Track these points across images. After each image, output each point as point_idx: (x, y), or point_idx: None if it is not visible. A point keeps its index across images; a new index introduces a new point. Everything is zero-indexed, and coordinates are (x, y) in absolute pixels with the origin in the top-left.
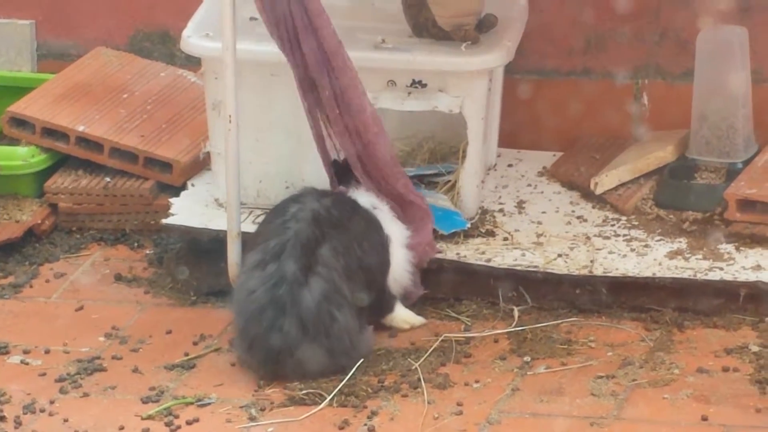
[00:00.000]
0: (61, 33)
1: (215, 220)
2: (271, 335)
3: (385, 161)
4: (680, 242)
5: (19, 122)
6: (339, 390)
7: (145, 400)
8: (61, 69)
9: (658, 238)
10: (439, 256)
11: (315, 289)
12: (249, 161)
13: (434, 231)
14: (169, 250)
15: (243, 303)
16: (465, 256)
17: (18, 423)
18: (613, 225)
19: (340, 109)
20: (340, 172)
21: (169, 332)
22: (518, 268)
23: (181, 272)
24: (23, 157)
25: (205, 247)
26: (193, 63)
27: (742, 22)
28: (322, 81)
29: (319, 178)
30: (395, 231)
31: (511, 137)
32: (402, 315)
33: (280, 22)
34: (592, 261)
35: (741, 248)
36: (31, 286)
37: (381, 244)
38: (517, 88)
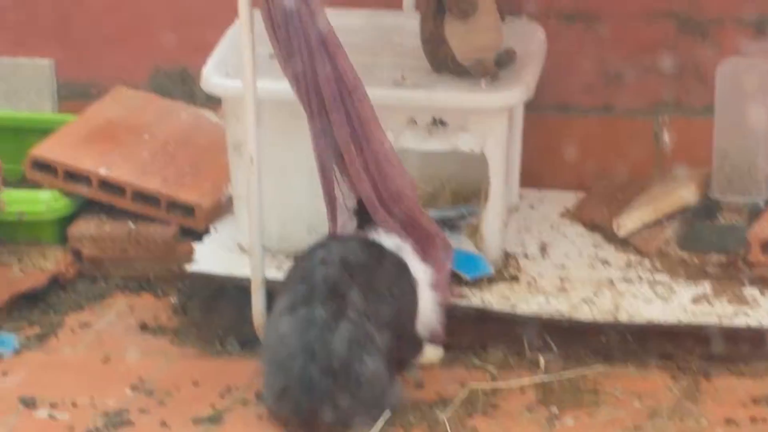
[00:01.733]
0: (81, 72)
1: (239, 266)
2: (302, 382)
3: (406, 194)
4: (704, 286)
5: (42, 166)
6: None
7: None
8: (81, 108)
9: (682, 281)
10: (464, 302)
11: (344, 334)
12: (271, 205)
13: (458, 276)
14: (194, 298)
15: (273, 348)
16: (490, 303)
17: None
18: (636, 269)
19: (359, 145)
20: (360, 216)
21: (195, 384)
22: (543, 315)
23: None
24: (46, 202)
25: (230, 295)
26: (213, 102)
27: (760, 54)
28: (338, 118)
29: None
30: (420, 271)
31: (532, 176)
32: (428, 354)
33: (294, 54)
34: (616, 307)
35: (766, 291)
36: (56, 337)
37: (410, 287)
38: (537, 126)
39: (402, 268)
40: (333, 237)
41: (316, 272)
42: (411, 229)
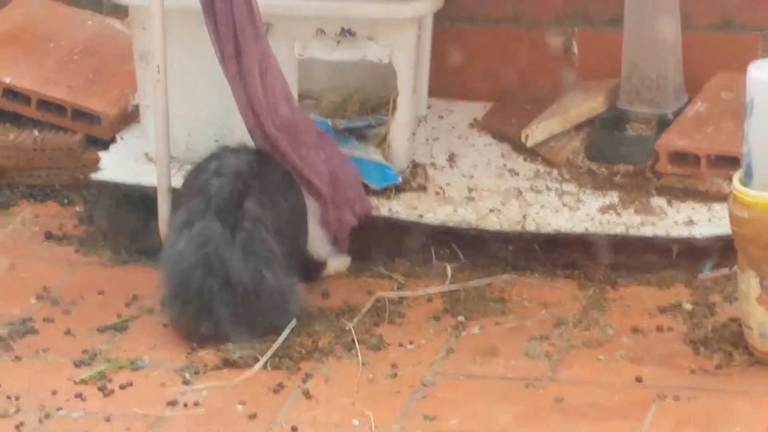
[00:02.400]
0: None
1: (146, 175)
2: (200, 297)
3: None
4: (612, 196)
5: None
6: (273, 352)
7: (78, 364)
8: None
9: (589, 191)
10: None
11: (240, 245)
12: (178, 114)
13: (365, 186)
14: (100, 206)
15: (172, 265)
16: (397, 212)
17: None
18: (544, 178)
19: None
20: None
21: (101, 293)
22: (451, 224)
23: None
24: None
25: (136, 203)
26: (119, 11)
27: None
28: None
29: None
30: (310, 204)
31: (441, 87)
32: (333, 266)
33: None
34: (524, 217)
35: (673, 202)
36: None
37: (301, 203)
38: (447, 37)
39: (295, 182)
40: (225, 148)
41: (211, 184)
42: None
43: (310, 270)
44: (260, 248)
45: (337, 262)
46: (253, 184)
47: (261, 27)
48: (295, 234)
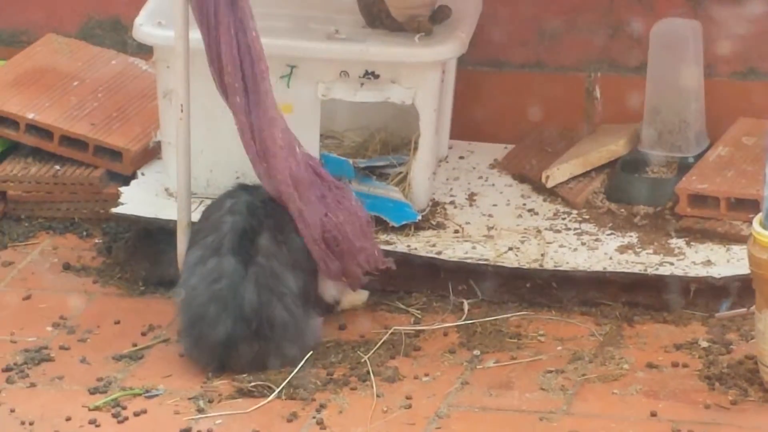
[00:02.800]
0: (11, 18)
1: (165, 210)
2: (215, 332)
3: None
4: (631, 236)
5: None
6: (288, 382)
7: (93, 391)
8: (11, 56)
9: (608, 232)
10: (389, 248)
11: (253, 280)
12: (200, 151)
13: (385, 223)
14: (119, 239)
15: (186, 301)
16: (415, 249)
17: None
18: (564, 218)
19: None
20: None
21: (117, 322)
22: (468, 261)
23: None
24: None
25: (155, 237)
26: (144, 51)
27: (695, 16)
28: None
29: None
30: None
31: (463, 129)
32: (348, 301)
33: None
34: (542, 255)
35: (691, 243)
36: None
37: None
38: (470, 80)
39: None
40: (241, 186)
41: (225, 221)
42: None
43: (325, 306)
44: (273, 282)
45: (353, 297)
46: (267, 221)
47: (267, 84)
48: (310, 267)
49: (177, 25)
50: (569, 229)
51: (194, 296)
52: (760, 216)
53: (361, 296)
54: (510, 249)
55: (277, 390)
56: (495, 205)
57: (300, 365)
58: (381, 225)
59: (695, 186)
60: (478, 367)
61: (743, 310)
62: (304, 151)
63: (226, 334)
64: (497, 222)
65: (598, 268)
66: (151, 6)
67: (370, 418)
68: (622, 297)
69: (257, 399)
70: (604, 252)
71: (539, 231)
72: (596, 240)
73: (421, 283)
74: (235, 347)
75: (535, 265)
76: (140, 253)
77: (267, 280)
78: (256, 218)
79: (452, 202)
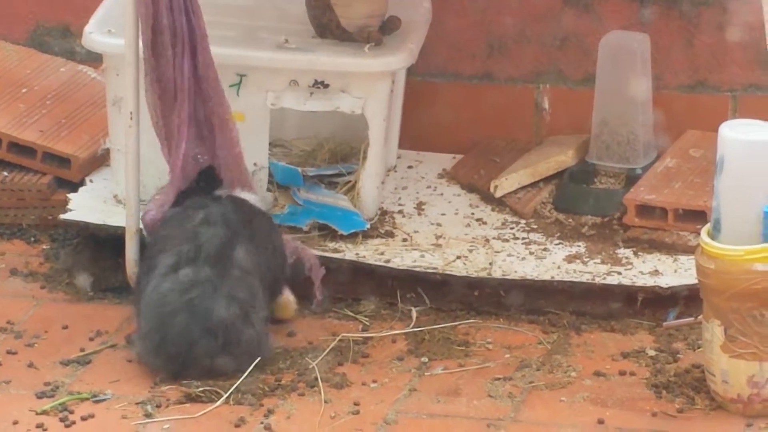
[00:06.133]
0: None
1: (114, 217)
2: (180, 341)
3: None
4: (579, 246)
5: None
6: (236, 388)
7: (40, 396)
8: None
9: (557, 241)
10: (338, 255)
11: (228, 294)
12: (148, 158)
13: (334, 231)
14: (66, 245)
15: (153, 307)
16: (364, 257)
17: None
18: (512, 228)
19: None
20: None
21: (65, 327)
22: (417, 269)
23: (83, 279)
24: None
25: (103, 244)
26: (93, 59)
27: (643, 29)
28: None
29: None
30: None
31: (411, 139)
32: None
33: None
34: (491, 263)
35: (639, 253)
36: None
37: (281, 242)
38: (419, 91)
39: (271, 221)
40: (208, 197)
41: (201, 232)
42: None
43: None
44: (245, 296)
45: (285, 308)
46: (242, 232)
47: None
48: (276, 272)
49: (127, 33)
50: (517, 238)
51: (164, 303)
52: (707, 226)
53: (292, 305)
54: (458, 258)
55: (225, 395)
56: (443, 215)
57: (248, 371)
58: (330, 233)
59: (643, 197)
60: (426, 374)
61: (690, 319)
62: None
63: (191, 345)
64: (446, 231)
65: (546, 277)
66: (101, 14)
67: (318, 423)
68: (570, 306)
69: (205, 404)
70: (552, 261)
71: (487, 240)
72: (544, 249)
73: (369, 290)
74: (198, 360)
75: (484, 274)
76: (88, 259)
77: (239, 295)
78: (231, 230)
79: (401, 211)
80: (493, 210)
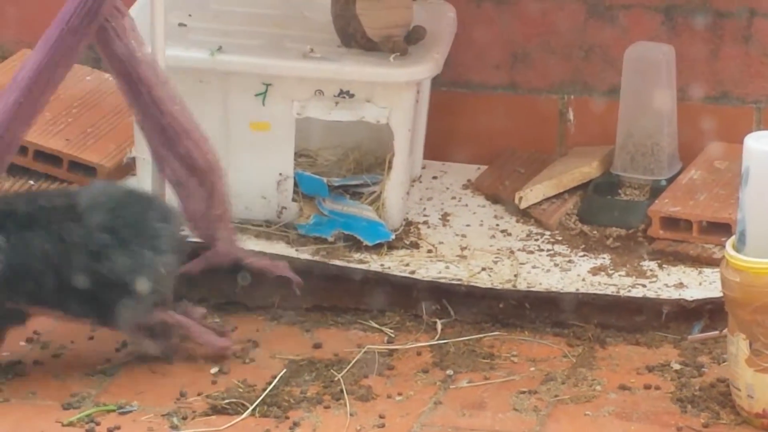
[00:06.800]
0: None
1: None
2: None
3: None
4: (603, 258)
5: None
6: (261, 400)
7: (66, 407)
8: None
9: (581, 253)
10: (363, 266)
11: None
12: None
13: (358, 242)
14: None
15: None
16: (389, 268)
17: None
18: (536, 240)
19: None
20: None
21: (91, 338)
22: (442, 281)
23: None
24: None
25: None
26: None
27: (669, 40)
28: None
29: (245, 186)
30: None
31: (436, 150)
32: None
33: None
34: (516, 275)
35: (664, 266)
36: None
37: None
38: (444, 101)
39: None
40: None
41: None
42: None
43: None
44: None
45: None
46: None
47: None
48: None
49: (155, 43)
50: (542, 250)
51: None
52: (733, 239)
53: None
54: (483, 269)
55: (251, 407)
56: (468, 226)
57: (274, 383)
58: (355, 244)
59: (668, 209)
60: (451, 386)
61: (715, 332)
62: None
63: None
64: (470, 242)
65: (571, 289)
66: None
67: None
68: (595, 318)
69: (231, 416)
70: (577, 273)
71: (512, 252)
72: (569, 261)
73: (394, 302)
74: None
75: (509, 286)
76: None
77: None
78: None
79: (426, 222)
80: (517, 221)
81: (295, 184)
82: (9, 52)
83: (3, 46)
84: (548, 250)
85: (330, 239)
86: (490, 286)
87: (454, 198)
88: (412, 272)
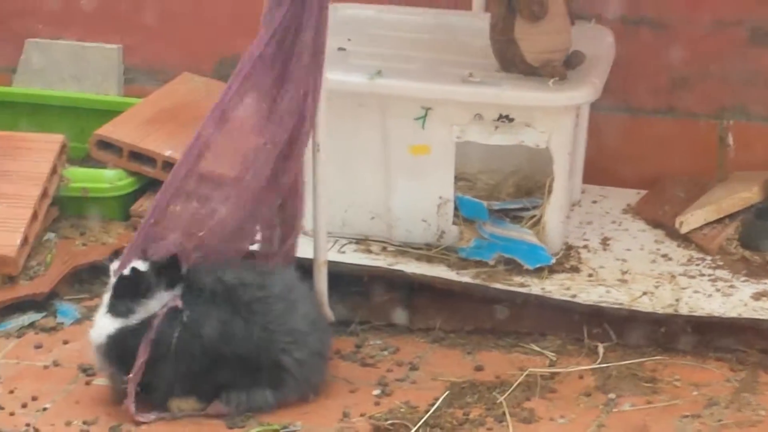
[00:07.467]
0: (148, 58)
1: (302, 248)
2: None
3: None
4: (766, 284)
5: (107, 145)
6: (424, 422)
7: (231, 425)
8: (147, 94)
9: (743, 279)
10: (524, 290)
11: None
12: (336, 190)
13: (519, 265)
14: None
15: None
16: (550, 291)
17: None
18: (698, 264)
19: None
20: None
21: None
22: (603, 304)
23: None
24: (110, 180)
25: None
26: None
27: None
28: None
29: (405, 209)
30: None
31: (596, 174)
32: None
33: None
34: (677, 300)
35: None
36: None
37: None
38: (603, 125)
39: None
40: None
41: None
42: None
43: None
44: None
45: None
46: None
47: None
48: None
49: None
50: (703, 275)
51: None
52: None
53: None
54: (644, 293)
55: (414, 428)
56: (629, 250)
57: (436, 404)
58: (515, 267)
59: None
60: (614, 410)
61: None
62: None
63: None
64: (631, 267)
65: (734, 314)
66: None
67: None
68: (758, 344)
69: None
70: (739, 298)
71: (673, 276)
72: (731, 286)
73: (555, 325)
74: None
75: (670, 310)
76: None
77: None
78: None
79: (586, 246)
80: (678, 246)
81: (456, 208)
82: (170, 75)
83: (164, 70)
84: (709, 275)
85: (490, 262)
86: (651, 310)
87: (614, 222)
88: (573, 296)
